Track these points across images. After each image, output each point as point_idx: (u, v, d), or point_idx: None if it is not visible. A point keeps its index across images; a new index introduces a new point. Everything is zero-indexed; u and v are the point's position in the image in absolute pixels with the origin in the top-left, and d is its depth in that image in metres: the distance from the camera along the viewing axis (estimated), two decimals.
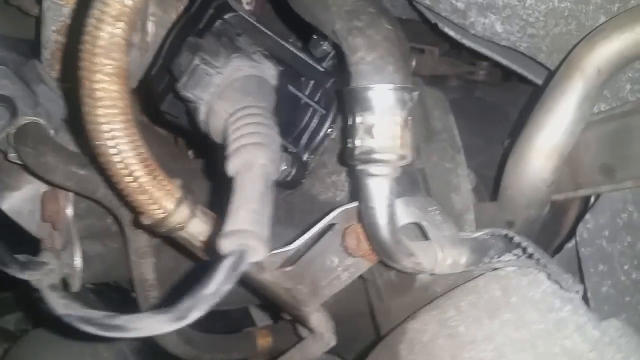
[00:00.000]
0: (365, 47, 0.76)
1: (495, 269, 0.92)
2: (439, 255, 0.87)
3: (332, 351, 1.33)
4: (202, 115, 0.73)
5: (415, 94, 0.79)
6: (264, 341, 1.33)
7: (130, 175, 0.69)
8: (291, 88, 0.97)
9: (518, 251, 0.92)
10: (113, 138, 0.67)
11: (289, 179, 1.00)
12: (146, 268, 1.01)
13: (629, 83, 1.08)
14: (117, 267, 1.08)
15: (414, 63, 1.63)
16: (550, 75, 1.11)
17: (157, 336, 1.13)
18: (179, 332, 1.15)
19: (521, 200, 1.10)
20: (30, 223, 1.10)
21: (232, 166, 0.62)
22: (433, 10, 1.23)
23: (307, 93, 1.00)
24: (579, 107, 1.02)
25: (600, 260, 1.20)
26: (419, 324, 0.87)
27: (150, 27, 1.11)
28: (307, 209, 1.09)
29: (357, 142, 0.79)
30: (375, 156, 0.78)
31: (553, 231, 1.42)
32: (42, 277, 0.90)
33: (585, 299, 1.23)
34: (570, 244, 1.29)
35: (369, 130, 0.78)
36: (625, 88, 1.09)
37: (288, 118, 1.00)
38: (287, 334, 1.30)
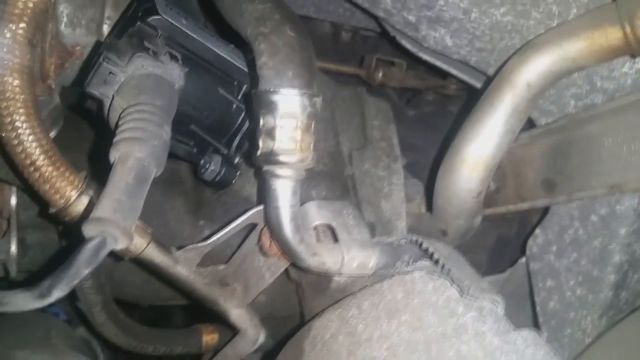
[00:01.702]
0: (268, 52, 0.80)
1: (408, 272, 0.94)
2: (345, 257, 0.89)
3: (268, 351, 1.36)
4: (105, 112, 0.77)
5: (318, 99, 0.82)
6: (209, 338, 1.35)
7: (32, 165, 0.74)
8: (222, 91, 1.00)
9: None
10: (15, 129, 0.72)
11: (217, 179, 1.03)
12: None
13: (573, 99, 1.09)
14: None
15: (380, 74, 1.67)
16: (485, 86, 1.13)
17: (97, 326, 1.17)
18: (120, 323, 1.19)
19: (450, 211, 1.11)
20: None
21: (112, 157, 0.66)
22: (389, 23, 1.25)
23: (239, 97, 1.03)
24: (507, 120, 1.03)
25: (549, 276, 1.21)
26: (323, 322, 0.89)
27: (106, 30, 1.16)
28: (241, 210, 1.12)
29: (260, 143, 0.83)
30: (276, 158, 0.82)
31: (517, 246, 1.43)
32: None
33: (535, 313, 1.24)
34: (523, 259, 1.30)
35: (270, 132, 0.81)
36: (570, 104, 1.10)
37: (220, 121, 1.04)
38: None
